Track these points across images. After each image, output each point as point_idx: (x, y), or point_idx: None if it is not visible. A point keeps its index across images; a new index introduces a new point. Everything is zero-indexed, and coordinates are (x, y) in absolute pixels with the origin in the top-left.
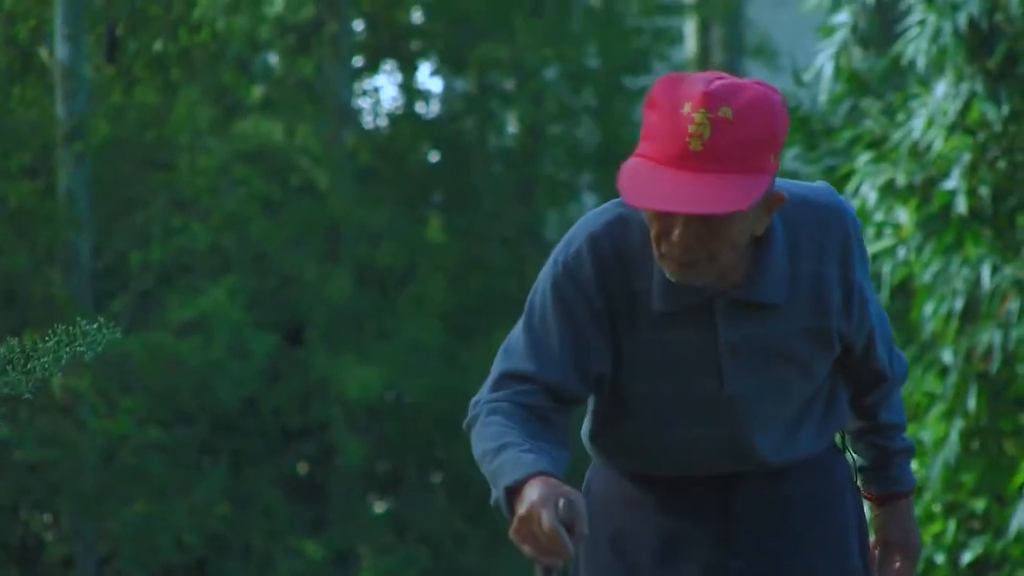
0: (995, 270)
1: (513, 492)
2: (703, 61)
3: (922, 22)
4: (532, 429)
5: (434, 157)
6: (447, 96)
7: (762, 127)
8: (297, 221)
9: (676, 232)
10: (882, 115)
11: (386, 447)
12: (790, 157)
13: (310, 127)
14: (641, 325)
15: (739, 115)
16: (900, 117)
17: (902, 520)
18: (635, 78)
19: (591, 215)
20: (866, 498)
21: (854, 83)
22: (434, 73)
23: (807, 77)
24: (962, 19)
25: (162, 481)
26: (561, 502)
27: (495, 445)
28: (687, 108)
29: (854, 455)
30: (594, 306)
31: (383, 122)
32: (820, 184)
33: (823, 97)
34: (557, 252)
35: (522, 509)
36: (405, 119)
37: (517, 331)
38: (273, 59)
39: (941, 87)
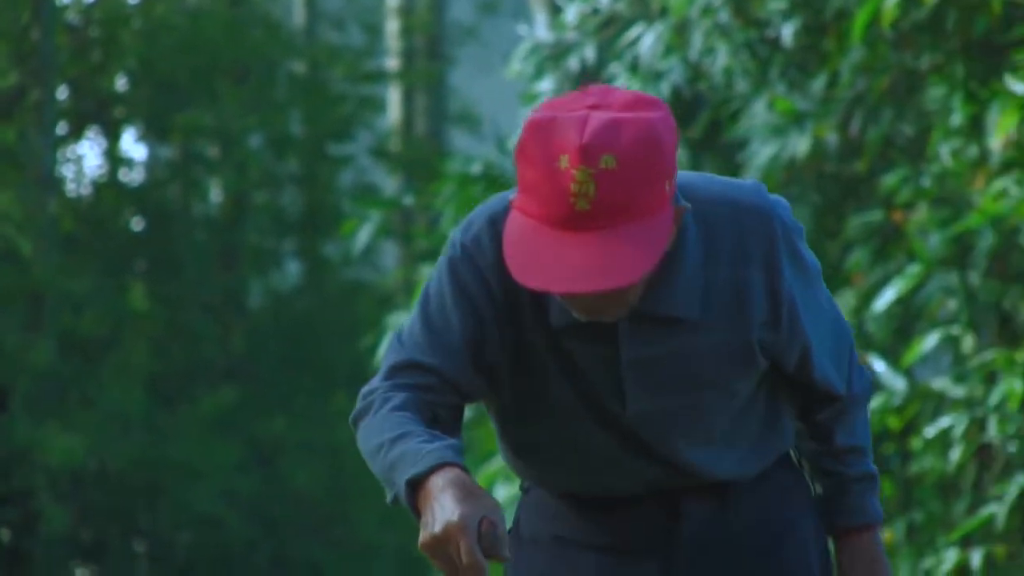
0: None
1: (416, 485)
2: (408, 129)
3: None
4: (425, 421)
5: (138, 224)
6: (151, 163)
7: (651, 163)
8: None
9: (578, 297)
10: None
11: (89, 514)
12: None
13: (13, 194)
14: (539, 327)
15: (623, 160)
16: None
17: (866, 558)
18: (339, 145)
19: (494, 197)
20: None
21: None
22: (138, 140)
23: (511, 144)
24: (665, 87)
25: None
26: (483, 526)
27: (391, 436)
28: (564, 163)
29: (812, 485)
30: (493, 292)
31: (87, 189)
32: (748, 182)
33: None
34: (455, 234)
35: (437, 527)
36: (109, 186)
37: (412, 319)
38: None
39: None
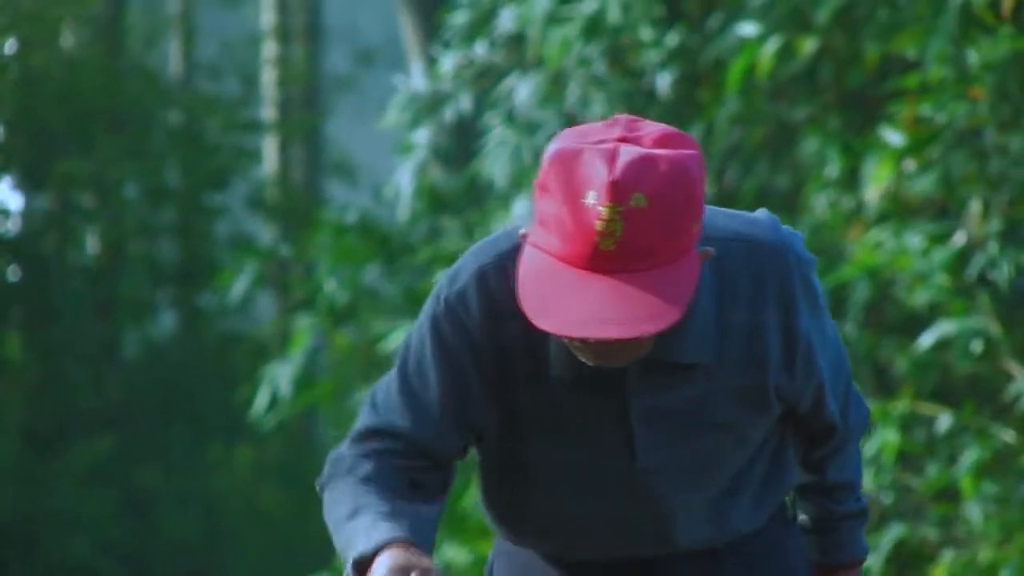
0: None
1: (363, 565)
2: (284, 179)
3: (502, 142)
4: (396, 488)
5: (14, 274)
6: (27, 213)
7: (683, 204)
8: None
9: (593, 343)
10: (462, 233)
11: None
12: (371, 277)
13: None
14: (540, 380)
15: (654, 199)
16: (479, 235)
17: None
18: (215, 195)
19: (485, 243)
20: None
21: (433, 201)
22: (14, 189)
23: (387, 194)
24: (541, 138)
25: None
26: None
27: (348, 510)
28: (591, 199)
29: (796, 511)
30: (479, 351)
31: None
32: (761, 215)
33: (403, 215)
34: (440, 287)
35: None
36: None
37: (389, 377)
38: None
39: (520, 205)
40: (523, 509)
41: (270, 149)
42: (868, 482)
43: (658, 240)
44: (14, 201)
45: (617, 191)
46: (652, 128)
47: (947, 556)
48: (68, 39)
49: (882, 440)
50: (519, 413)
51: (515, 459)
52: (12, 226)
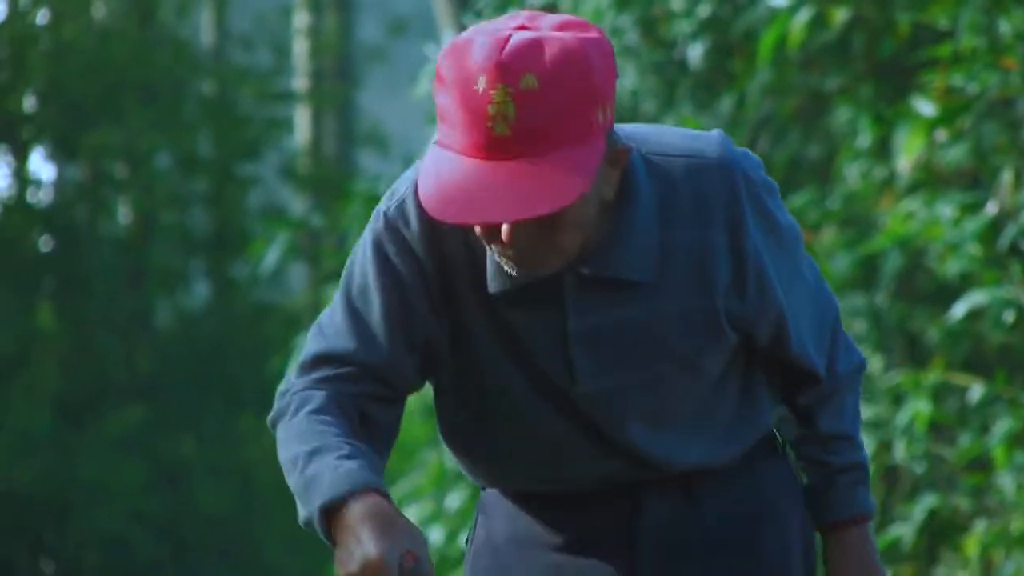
0: None
1: (331, 511)
2: (316, 149)
3: None
4: (351, 421)
5: (47, 245)
6: (59, 183)
7: (578, 85)
8: None
9: (503, 232)
10: None
11: None
12: None
13: None
14: (477, 297)
15: (546, 80)
16: None
17: (855, 554)
18: (247, 165)
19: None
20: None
21: None
22: (47, 159)
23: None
24: None
25: None
26: (406, 561)
27: (306, 449)
28: (481, 84)
29: (799, 474)
30: (423, 267)
31: None
32: (712, 133)
33: None
34: (380, 205)
35: (354, 566)
36: (17, 207)
37: (334, 302)
38: None
39: None
40: (482, 437)
41: (302, 119)
42: (900, 452)
43: (554, 123)
44: (46, 172)
45: (506, 72)
46: (553, 18)
47: (979, 526)
48: (99, 9)
49: (914, 410)
50: (465, 329)
51: (466, 377)
52: (44, 196)
